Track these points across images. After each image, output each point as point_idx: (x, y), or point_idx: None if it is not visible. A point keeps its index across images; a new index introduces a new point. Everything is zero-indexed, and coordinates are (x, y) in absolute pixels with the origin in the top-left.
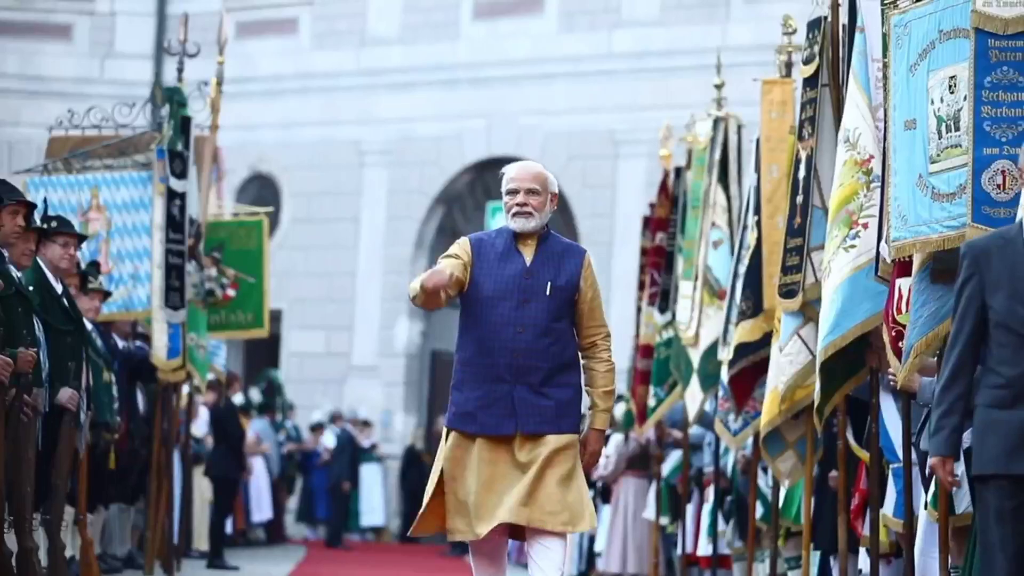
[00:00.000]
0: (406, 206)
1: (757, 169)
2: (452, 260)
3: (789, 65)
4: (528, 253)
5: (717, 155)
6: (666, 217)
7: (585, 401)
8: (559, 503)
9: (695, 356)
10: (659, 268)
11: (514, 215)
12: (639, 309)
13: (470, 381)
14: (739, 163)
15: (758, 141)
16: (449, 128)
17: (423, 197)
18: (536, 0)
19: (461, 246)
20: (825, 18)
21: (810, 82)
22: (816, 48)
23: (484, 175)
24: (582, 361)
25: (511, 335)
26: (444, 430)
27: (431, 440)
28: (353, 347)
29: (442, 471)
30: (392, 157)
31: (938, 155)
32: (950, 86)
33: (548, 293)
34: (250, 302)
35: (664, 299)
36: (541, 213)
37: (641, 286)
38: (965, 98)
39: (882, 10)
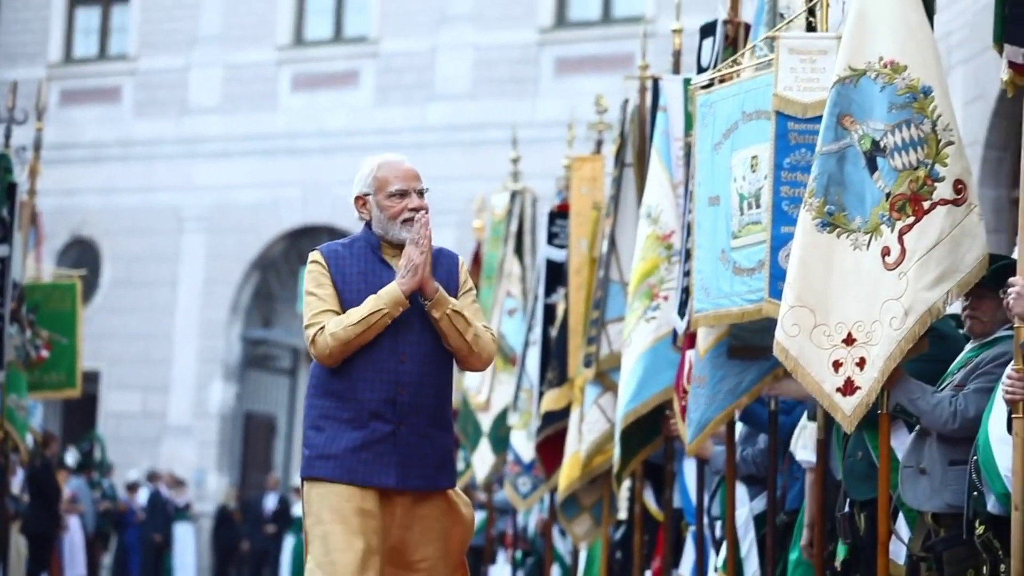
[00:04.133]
0: (223, 271)
1: (550, 241)
2: (328, 311)
3: (600, 143)
4: (398, 265)
5: (514, 227)
6: (476, 287)
7: None
8: None
9: (485, 420)
10: None
11: (406, 222)
12: None
13: (337, 421)
14: (533, 235)
15: (550, 215)
16: (266, 196)
17: (239, 262)
18: (352, 73)
19: (319, 270)
20: (628, 100)
21: (616, 160)
22: (622, 128)
23: (299, 242)
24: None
25: (392, 365)
26: (302, 484)
27: (243, 499)
28: (169, 408)
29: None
30: (210, 223)
31: (739, 231)
32: (752, 165)
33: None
34: (63, 363)
35: None
36: None
37: None
38: (766, 177)
39: (686, 90)
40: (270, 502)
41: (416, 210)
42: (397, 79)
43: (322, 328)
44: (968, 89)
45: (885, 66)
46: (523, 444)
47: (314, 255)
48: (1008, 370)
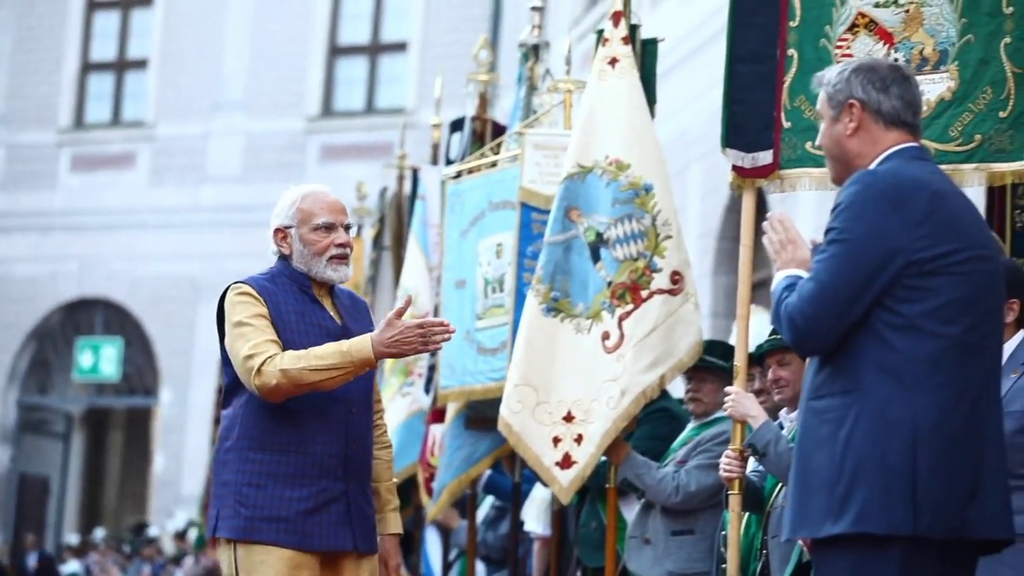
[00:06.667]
0: (1, 339)
1: None
2: (271, 340)
3: (360, 227)
4: (328, 306)
5: None
6: None
7: None
8: None
9: None
10: None
11: (333, 259)
12: (213, 442)
13: (282, 477)
14: None
15: None
16: (44, 269)
17: (17, 332)
18: (129, 155)
19: (252, 301)
20: (386, 187)
21: (375, 243)
22: (381, 213)
23: (75, 313)
24: None
25: (343, 416)
26: (226, 545)
27: (16, 555)
28: None
29: None
30: None
31: (484, 313)
32: (497, 252)
33: None
34: None
35: None
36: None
37: (217, 421)
38: (510, 263)
39: (441, 181)
40: (31, 560)
41: (343, 246)
42: (171, 161)
43: (271, 357)
44: (705, 183)
45: (611, 164)
46: None
47: (242, 288)
48: (727, 449)
